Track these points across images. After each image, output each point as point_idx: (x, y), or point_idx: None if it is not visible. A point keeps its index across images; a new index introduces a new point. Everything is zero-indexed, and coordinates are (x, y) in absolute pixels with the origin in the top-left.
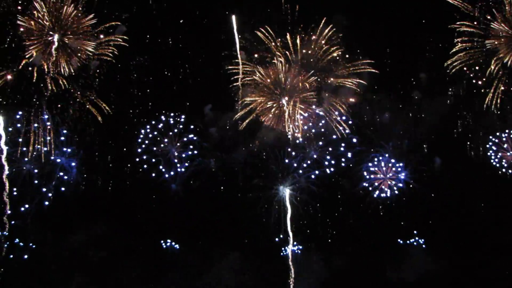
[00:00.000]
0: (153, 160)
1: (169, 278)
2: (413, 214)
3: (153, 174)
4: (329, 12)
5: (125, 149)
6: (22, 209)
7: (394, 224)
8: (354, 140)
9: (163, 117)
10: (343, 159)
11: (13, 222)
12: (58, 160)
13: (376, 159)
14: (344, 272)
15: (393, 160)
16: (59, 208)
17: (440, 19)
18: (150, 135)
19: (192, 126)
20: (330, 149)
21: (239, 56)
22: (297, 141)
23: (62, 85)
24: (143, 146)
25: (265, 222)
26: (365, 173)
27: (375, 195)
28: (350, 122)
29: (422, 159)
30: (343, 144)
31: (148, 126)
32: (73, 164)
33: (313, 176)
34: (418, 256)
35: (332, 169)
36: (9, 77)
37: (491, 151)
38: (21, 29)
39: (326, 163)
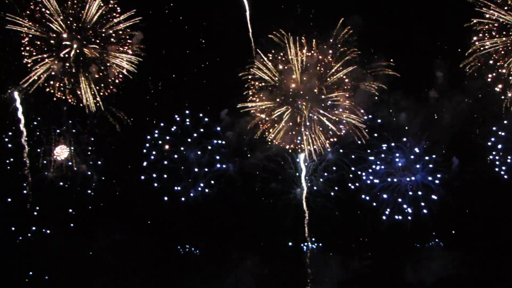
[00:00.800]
0: (171, 165)
1: (188, 283)
2: (432, 217)
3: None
4: (344, 13)
5: (142, 155)
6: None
7: (412, 226)
8: (371, 142)
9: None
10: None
11: (34, 228)
12: (78, 168)
13: (392, 160)
14: (362, 275)
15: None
16: (80, 215)
17: (457, 18)
18: (168, 139)
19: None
20: (347, 151)
21: (255, 60)
22: (314, 147)
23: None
24: (161, 151)
25: (283, 226)
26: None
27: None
28: (366, 124)
29: (439, 160)
30: (360, 145)
31: (165, 131)
32: (92, 172)
33: (330, 179)
34: (437, 259)
35: (349, 172)
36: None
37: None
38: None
39: (344, 165)
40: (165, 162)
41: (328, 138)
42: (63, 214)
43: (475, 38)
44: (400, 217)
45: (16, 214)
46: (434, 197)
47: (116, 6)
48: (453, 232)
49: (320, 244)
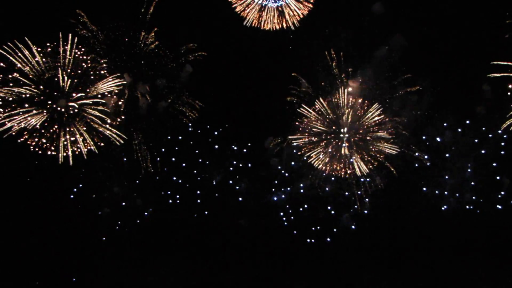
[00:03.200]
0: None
1: None
2: (480, 237)
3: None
4: (387, 34)
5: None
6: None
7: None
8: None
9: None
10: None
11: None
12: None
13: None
14: None
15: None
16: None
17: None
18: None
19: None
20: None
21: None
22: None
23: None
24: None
25: (333, 253)
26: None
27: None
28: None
29: (488, 179)
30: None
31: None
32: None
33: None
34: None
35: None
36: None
37: None
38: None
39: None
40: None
41: (374, 163)
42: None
43: None
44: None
45: None
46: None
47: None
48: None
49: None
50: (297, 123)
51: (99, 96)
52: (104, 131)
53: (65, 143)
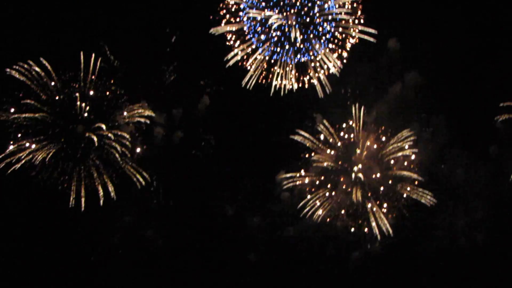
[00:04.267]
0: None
1: None
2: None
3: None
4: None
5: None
6: None
7: None
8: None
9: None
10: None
11: None
12: None
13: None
14: None
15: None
16: None
17: None
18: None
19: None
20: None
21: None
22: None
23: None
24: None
25: None
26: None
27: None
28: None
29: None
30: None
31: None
32: None
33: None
34: None
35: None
36: None
37: None
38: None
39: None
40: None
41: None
42: None
43: None
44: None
45: None
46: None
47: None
48: None
49: None
50: (308, 156)
51: (119, 125)
52: (125, 168)
53: (79, 181)
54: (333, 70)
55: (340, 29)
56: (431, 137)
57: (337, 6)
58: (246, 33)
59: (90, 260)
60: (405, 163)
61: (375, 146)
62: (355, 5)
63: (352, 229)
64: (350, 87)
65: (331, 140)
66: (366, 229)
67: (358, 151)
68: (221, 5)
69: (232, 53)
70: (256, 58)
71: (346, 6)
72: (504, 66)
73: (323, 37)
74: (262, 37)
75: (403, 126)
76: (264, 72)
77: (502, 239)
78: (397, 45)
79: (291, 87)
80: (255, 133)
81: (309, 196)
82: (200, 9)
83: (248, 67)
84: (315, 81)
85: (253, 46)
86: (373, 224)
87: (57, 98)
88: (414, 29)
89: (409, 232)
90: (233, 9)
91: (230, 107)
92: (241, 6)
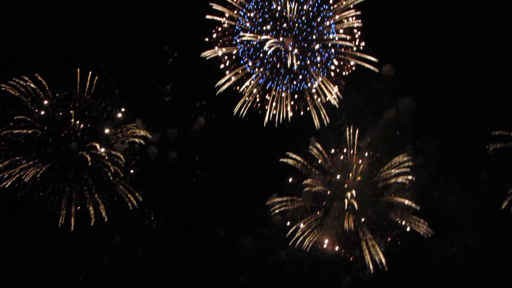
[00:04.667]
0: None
1: None
2: None
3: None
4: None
5: None
6: None
7: None
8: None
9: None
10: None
11: None
12: None
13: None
14: None
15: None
16: None
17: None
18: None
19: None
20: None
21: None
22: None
23: None
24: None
25: None
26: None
27: None
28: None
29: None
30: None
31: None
32: None
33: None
34: None
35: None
36: None
37: None
38: None
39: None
40: None
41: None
42: None
43: None
44: None
45: None
46: None
47: None
48: None
49: None
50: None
51: (113, 144)
52: (117, 188)
53: (69, 201)
54: (332, 101)
55: (340, 56)
56: (424, 164)
57: (336, 32)
58: (240, 57)
59: (79, 281)
60: (400, 190)
61: (368, 172)
62: (354, 31)
63: (344, 256)
64: (344, 112)
65: (323, 164)
66: (358, 258)
67: (351, 176)
68: (217, 27)
69: (223, 80)
70: (250, 84)
71: (347, 32)
72: (497, 94)
73: (322, 65)
74: (257, 63)
75: (397, 152)
76: (258, 98)
77: (493, 266)
78: (391, 71)
79: (285, 117)
80: (248, 156)
81: (301, 225)
82: (195, 31)
83: (242, 92)
84: (311, 109)
85: (247, 71)
86: (367, 256)
87: (51, 115)
88: (408, 56)
89: (401, 259)
90: (226, 33)
91: (223, 131)
92: (236, 29)
